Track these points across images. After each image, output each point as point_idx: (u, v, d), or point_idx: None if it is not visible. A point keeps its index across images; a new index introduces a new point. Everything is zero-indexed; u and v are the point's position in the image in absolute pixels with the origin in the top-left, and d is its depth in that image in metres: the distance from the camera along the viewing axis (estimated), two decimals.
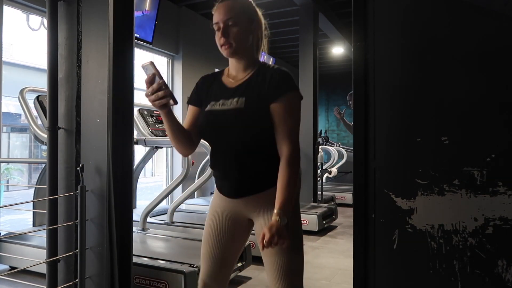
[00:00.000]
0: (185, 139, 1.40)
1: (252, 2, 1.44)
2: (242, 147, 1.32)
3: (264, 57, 7.75)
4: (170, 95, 1.22)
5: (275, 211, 1.23)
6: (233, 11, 1.34)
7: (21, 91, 2.99)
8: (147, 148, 3.80)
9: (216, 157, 1.41)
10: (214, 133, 1.36)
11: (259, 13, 1.45)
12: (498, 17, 1.40)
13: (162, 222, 3.95)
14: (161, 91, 1.20)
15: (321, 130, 6.87)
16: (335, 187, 7.20)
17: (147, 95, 1.23)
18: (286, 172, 1.27)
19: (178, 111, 5.76)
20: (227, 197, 1.41)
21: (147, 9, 4.85)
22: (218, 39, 1.36)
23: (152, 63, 1.23)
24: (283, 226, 1.21)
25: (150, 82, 1.22)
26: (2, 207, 4.96)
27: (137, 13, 4.69)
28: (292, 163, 1.28)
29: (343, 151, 7.28)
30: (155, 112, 3.89)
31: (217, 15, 1.35)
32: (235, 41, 1.34)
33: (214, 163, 1.42)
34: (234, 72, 1.43)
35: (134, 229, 2.97)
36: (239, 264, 2.77)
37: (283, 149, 1.29)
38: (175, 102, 1.23)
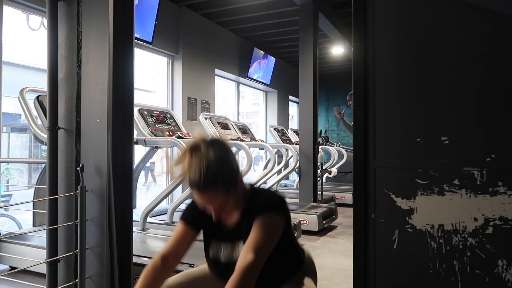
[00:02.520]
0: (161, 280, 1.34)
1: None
2: None
3: (265, 61, 7.66)
4: None
5: None
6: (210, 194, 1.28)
7: (21, 91, 2.99)
8: (147, 148, 3.80)
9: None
10: (221, 276, 1.35)
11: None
12: (498, 17, 1.40)
13: (162, 222, 3.95)
14: None
15: (321, 130, 6.86)
16: (335, 187, 7.20)
17: None
18: (237, 283, 1.14)
19: (178, 110, 5.76)
20: None
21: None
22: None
23: None
24: None
25: None
26: (2, 207, 4.96)
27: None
28: (247, 274, 1.15)
29: (343, 151, 7.28)
30: (155, 112, 3.89)
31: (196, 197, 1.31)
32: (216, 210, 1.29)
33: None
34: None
35: (134, 229, 2.97)
36: None
37: (243, 257, 1.18)
38: None
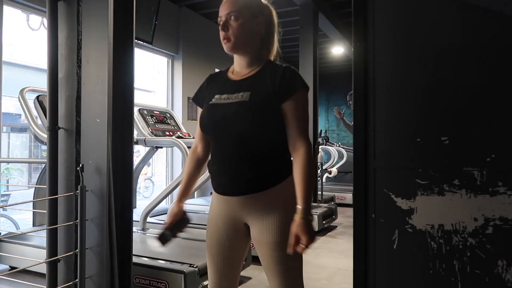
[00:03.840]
0: (202, 168, 1.53)
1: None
2: (243, 141, 1.28)
3: None
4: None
5: (299, 207, 1.23)
6: (236, 5, 1.33)
7: (21, 91, 2.99)
8: (147, 148, 3.80)
9: (215, 152, 1.37)
10: (216, 126, 1.33)
11: (270, 10, 1.41)
12: (498, 17, 1.40)
13: (162, 222, 3.95)
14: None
15: (321, 130, 6.86)
16: (335, 187, 7.20)
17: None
18: (307, 168, 1.26)
19: (178, 110, 5.76)
20: (223, 195, 1.36)
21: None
22: (220, 33, 1.36)
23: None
24: (311, 223, 1.24)
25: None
26: (2, 207, 4.96)
27: None
28: (310, 159, 1.28)
29: (343, 151, 7.28)
30: (155, 112, 3.89)
31: (221, 9, 1.36)
32: (234, 36, 1.33)
33: (213, 157, 1.39)
34: (238, 68, 1.40)
35: (134, 229, 2.97)
36: None
37: (300, 146, 1.28)
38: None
